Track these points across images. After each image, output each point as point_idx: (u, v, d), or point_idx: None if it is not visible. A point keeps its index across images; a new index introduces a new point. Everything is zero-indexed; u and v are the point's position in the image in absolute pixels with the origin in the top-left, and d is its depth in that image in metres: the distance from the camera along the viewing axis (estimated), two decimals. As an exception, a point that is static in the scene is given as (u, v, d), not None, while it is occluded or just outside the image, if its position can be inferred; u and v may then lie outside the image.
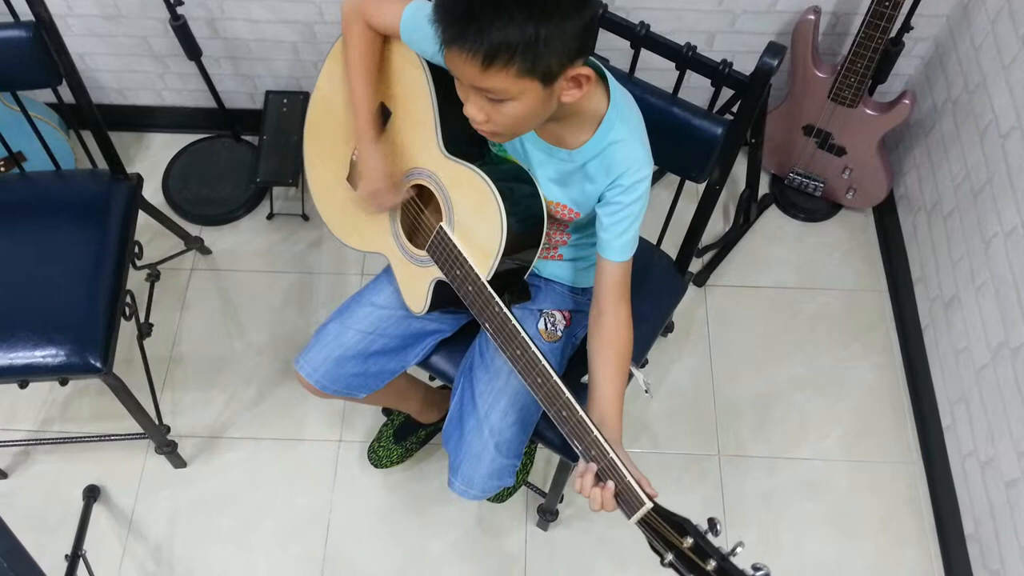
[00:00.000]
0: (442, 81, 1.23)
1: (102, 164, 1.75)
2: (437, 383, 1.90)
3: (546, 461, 1.96)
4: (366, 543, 1.88)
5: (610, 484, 1.06)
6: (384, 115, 1.31)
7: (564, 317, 1.41)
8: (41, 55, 1.51)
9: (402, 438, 1.90)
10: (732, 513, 1.91)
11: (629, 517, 1.05)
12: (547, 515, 1.84)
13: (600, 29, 1.37)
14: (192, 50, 2.02)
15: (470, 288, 1.20)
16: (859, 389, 2.06)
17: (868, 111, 1.97)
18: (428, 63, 1.23)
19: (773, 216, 2.31)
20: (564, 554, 1.87)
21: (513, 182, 1.19)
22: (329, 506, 1.91)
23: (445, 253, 1.23)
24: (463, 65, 0.99)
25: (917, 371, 2.03)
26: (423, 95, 1.24)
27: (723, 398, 2.05)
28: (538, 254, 1.23)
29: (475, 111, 1.06)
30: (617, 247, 1.20)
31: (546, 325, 1.40)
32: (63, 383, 1.62)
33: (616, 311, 1.22)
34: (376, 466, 1.92)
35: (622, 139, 1.15)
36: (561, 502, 1.86)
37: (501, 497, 1.87)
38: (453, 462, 1.36)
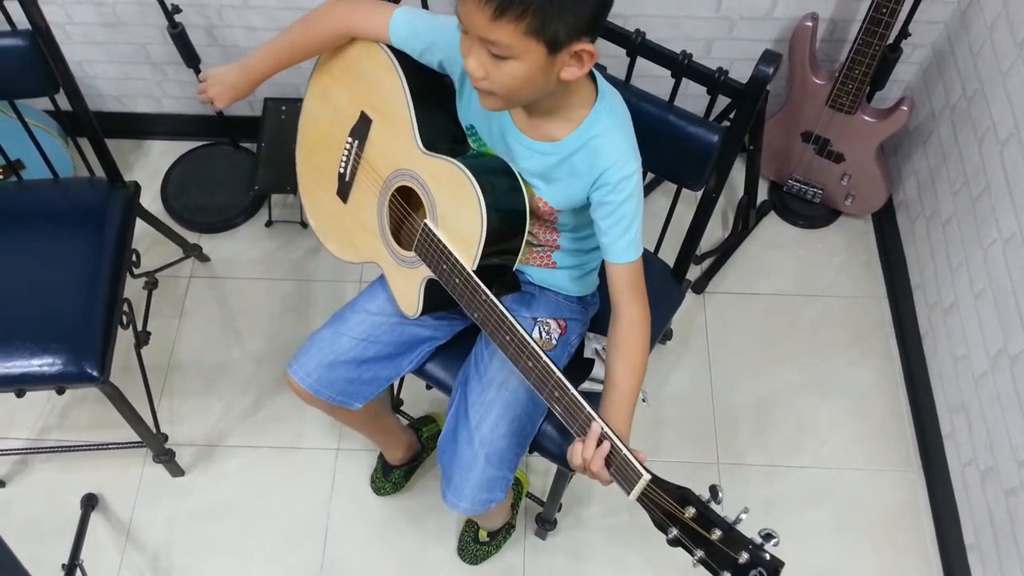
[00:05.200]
0: (417, 82, 1.24)
1: (100, 172, 1.75)
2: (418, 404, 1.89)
3: (544, 472, 1.95)
4: (364, 551, 1.87)
5: (605, 444, 1.06)
6: (365, 123, 1.32)
7: (559, 325, 1.41)
8: (38, 64, 1.51)
9: (387, 473, 1.90)
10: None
11: (628, 493, 1.05)
12: (546, 524, 1.83)
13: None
14: (190, 58, 2.02)
15: (458, 281, 1.20)
16: (858, 396, 2.05)
17: (866, 118, 1.97)
18: (401, 65, 1.24)
19: (772, 223, 2.30)
20: (562, 563, 1.86)
21: (491, 172, 1.20)
22: (327, 514, 1.91)
23: (432, 249, 1.23)
24: (475, 12, 0.99)
25: (916, 378, 2.03)
26: (399, 98, 1.25)
27: (722, 405, 2.04)
28: (524, 244, 1.23)
29: (475, 65, 1.05)
30: (620, 249, 1.19)
31: (540, 333, 1.39)
32: (60, 392, 1.62)
33: (629, 312, 1.21)
34: (377, 494, 1.92)
35: (607, 132, 1.15)
36: (559, 511, 1.85)
37: (487, 552, 1.84)
38: (446, 474, 1.36)
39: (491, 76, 1.05)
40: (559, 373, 1.11)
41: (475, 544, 1.82)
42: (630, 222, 1.18)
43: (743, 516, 0.95)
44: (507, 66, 1.03)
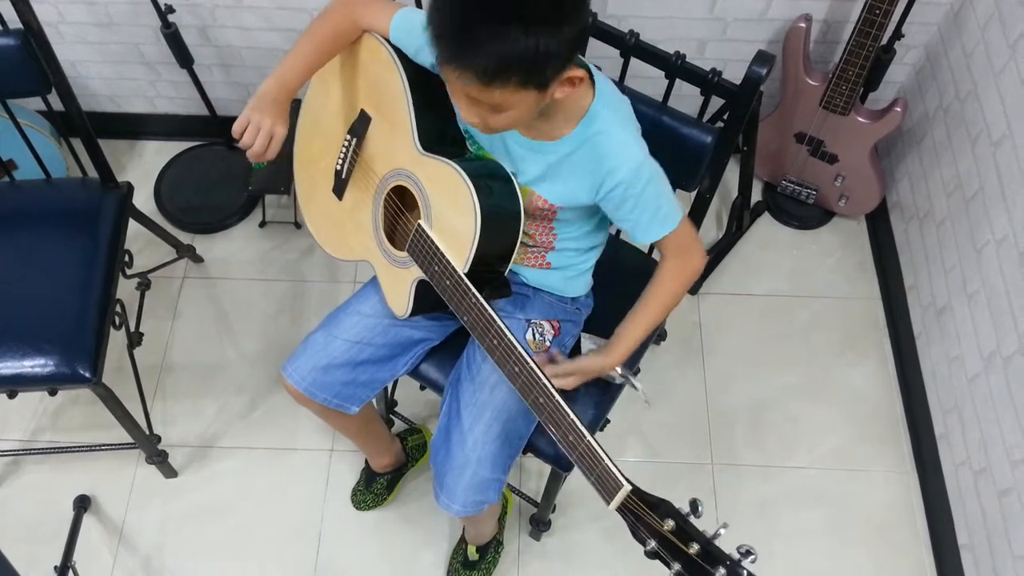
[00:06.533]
0: (418, 82, 1.24)
1: (93, 172, 1.74)
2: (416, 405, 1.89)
3: (538, 473, 1.95)
4: (358, 553, 1.87)
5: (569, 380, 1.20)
6: (364, 121, 1.32)
7: (552, 327, 1.41)
8: (30, 63, 1.51)
9: (370, 483, 1.89)
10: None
11: (608, 503, 1.05)
12: (540, 525, 1.83)
13: (590, 38, 1.37)
14: (184, 58, 2.02)
15: (448, 283, 1.20)
16: (852, 397, 2.06)
17: (860, 119, 1.97)
18: (403, 65, 1.24)
19: (766, 224, 2.31)
20: (557, 563, 1.86)
21: (488, 176, 1.20)
22: (321, 516, 1.90)
23: (424, 250, 1.23)
24: (460, 81, 1.00)
25: (910, 379, 2.03)
26: (399, 98, 1.25)
27: (716, 406, 2.04)
28: (517, 248, 1.23)
29: (471, 116, 1.08)
30: (656, 228, 1.20)
31: (534, 335, 1.39)
32: (52, 393, 1.62)
33: (667, 260, 1.26)
34: (357, 508, 1.89)
35: (608, 128, 1.16)
36: (553, 512, 1.85)
37: (484, 566, 1.81)
38: (438, 475, 1.36)
39: (488, 123, 1.08)
40: (545, 379, 1.11)
41: (464, 570, 1.79)
42: (657, 201, 1.18)
43: (722, 531, 0.95)
44: (502, 114, 1.05)
